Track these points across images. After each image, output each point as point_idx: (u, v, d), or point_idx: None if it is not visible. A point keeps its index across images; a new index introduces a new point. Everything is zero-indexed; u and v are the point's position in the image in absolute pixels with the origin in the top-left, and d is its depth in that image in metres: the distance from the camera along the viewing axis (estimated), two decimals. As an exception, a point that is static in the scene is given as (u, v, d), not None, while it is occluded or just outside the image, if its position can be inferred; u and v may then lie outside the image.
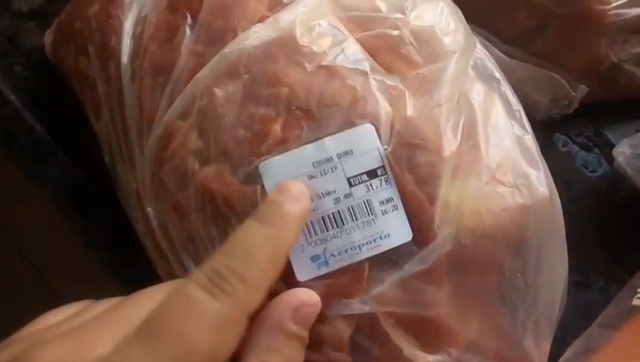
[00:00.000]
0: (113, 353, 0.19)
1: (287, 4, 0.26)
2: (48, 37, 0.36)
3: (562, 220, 0.27)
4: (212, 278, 0.21)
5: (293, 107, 0.25)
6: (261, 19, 0.26)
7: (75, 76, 0.34)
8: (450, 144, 0.25)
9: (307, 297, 0.22)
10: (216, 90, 0.25)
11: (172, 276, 0.28)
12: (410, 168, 0.25)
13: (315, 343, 0.23)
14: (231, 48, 0.25)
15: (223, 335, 0.20)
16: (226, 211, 0.24)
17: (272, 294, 0.22)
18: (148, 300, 0.21)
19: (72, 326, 0.21)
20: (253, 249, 0.22)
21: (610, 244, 0.34)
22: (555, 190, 0.27)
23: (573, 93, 0.34)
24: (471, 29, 0.28)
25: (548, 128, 0.36)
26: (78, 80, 0.34)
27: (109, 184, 0.33)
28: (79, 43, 0.32)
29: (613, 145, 0.37)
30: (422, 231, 0.24)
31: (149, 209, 0.27)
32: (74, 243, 0.36)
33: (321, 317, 0.23)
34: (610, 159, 0.37)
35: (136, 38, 0.29)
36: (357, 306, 0.23)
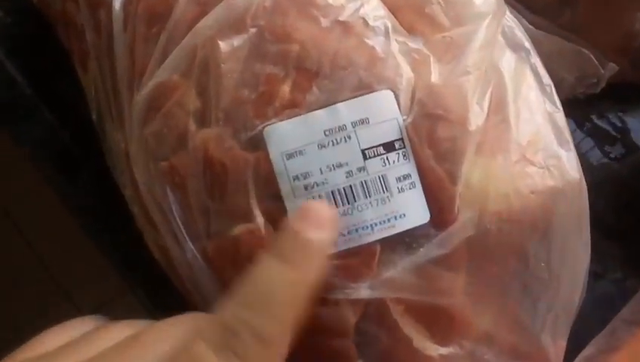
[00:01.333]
0: None
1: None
2: (34, -21, 0.33)
3: (588, 207, 0.25)
4: (226, 337, 0.18)
5: (304, 66, 0.22)
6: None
7: (61, 23, 0.31)
8: (476, 117, 0.22)
9: None
10: (220, 42, 0.22)
11: (160, 246, 0.26)
12: (430, 142, 0.22)
13: (317, 328, 0.21)
14: None
15: None
16: (224, 179, 0.22)
17: None
18: (165, 337, 0.19)
19: (82, 358, 0.18)
20: (273, 298, 0.19)
21: (629, 234, 0.32)
22: (582, 174, 0.25)
23: (602, 72, 0.32)
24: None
25: (569, 108, 0.34)
26: (65, 27, 0.31)
27: (95, 144, 0.30)
28: (68, -14, 0.29)
29: (635, 132, 0.35)
30: (441, 213, 0.22)
31: (138, 172, 0.25)
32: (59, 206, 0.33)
33: (326, 301, 0.21)
34: (632, 145, 0.35)
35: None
36: (366, 291, 0.21)
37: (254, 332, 0.18)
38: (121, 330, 0.20)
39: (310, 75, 0.22)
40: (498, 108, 0.23)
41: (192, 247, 0.23)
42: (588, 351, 0.25)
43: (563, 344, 0.25)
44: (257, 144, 0.22)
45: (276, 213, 0.22)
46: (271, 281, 0.19)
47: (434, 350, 0.22)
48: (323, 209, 0.20)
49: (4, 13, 0.35)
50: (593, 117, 0.35)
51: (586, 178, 0.25)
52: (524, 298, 0.23)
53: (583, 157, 0.34)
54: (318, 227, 0.20)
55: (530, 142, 0.23)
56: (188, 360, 0.18)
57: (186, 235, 0.23)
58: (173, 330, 0.19)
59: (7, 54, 0.34)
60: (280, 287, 0.19)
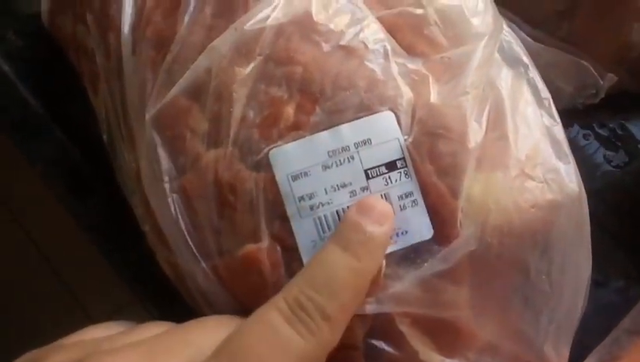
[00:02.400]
0: None
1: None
2: (45, 3, 0.34)
3: (588, 217, 0.26)
4: (295, 310, 0.19)
5: (307, 88, 0.23)
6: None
7: (72, 46, 0.32)
8: (475, 134, 0.23)
9: None
10: (235, 70, 0.23)
11: (172, 264, 0.26)
12: (431, 158, 0.23)
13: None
14: (252, 26, 0.23)
15: None
16: (233, 200, 0.23)
17: None
18: (214, 325, 0.20)
19: (132, 341, 0.20)
20: (336, 282, 0.20)
21: (632, 242, 0.33)
22: (582, 186, 0.26)
23: (601, 82, 0.32)
24: (495, 10, 0.26)
25: (569, 118, 0.34)
26: (76, 50, 0.32)
27: (106, 164, 0.31)
28: (78, 10, 0.30)
29: (637, 139, 0.35)
30: (444, 228, 0.22)
31: (149, 192, 0.26)
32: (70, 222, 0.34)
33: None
34: (635, 152, 0.35)
35: (139, 6, 0.27)
36: (372, 306, 0.22)
37: (321, 310, 0.19)
38: (160, 324, 0.21)
39: (313, 97, 0.23)
40: (496, 124, 0.24)
41: (204, 265, 0.24)
42: (590, 360, 0.25)
43: (566, 353, 0.25)
44: (264, 166, 0.23)
45: (283, 233, 0.22)
46: (335, 267, 0.20)
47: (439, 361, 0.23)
48: (382, 204, 0.22)
49: (16, 36, 0.36)
50: (595, 126, 0.36)
51: (588, 186, 0.26)
52: (526, 310, 0.23)
53: (588, 166, 0.34)
54: (378, 221, 0.21)
55: (528, 157, 0.24)
56: (263, 327, 0.19)
57: (197, 254, 0.24)
58: (229, 318, 0.21)
59: (19, 76, 0.35)
60: (343, 273, 0.20)
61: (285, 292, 0.20)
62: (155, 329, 0.21)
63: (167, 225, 0.25)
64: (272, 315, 0.20)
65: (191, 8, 0.25)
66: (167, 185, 0.24)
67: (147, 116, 0.25)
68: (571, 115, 0.34)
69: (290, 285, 0.20)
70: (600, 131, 0.35)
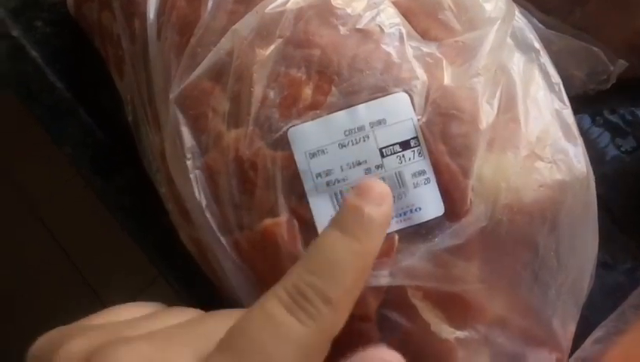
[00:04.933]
0: None
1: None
2: (70, -9, 0.35)
3: (595, 199, 0.27)
4: (295, 297, 0.19)
5: (325, 70, 0.24)
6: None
7: (97, 32, 0.33)
8: (487, 116, 0.24)
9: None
10: (256, 52, 0.24)
11: (194, 240, 0.28)
12: (444, 139, 0.24)
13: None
14: (273, 10, 0.24)
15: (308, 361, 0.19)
16: (254, 177, 0.24)
17: None
18: (228, 318, 0.20)
19: (151, 329, 0.20)
20: (338, 265, 0.20)
21: (638, 226, 0.33)
22: (590, 168, 0.26)
23: (612, 68, 0.33)
24: (508, -4, 0.27)
25: (580, 104, 0.35)
26: (101, 36, 0.33)
27: (131, 145, 0.32)
28: (103, -2, 0.31)
29: (647, 125, 0.36)
30: (454, 205, 0.23)
31: (173, 170, 0.27)
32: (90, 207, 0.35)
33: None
34: (644, 139, 0.36)
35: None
36: (386, 279, 0.23)
37: (321, 295, 0.19)
38: (186, 311, 0.22)
39: (330, 78, 0.24)
40: (508, 107, 0.24)
41: (224, 240, 0.25)
42: (598, 333, 0.26)
43: (572, 328, 0.26)
44: (283, 144, 0.24)
45: (300, 208, 0.23)
46: (335, 251, 0.20)
47: (451, 333, 0.24)
48: (380, 186, 0.21)
49: (44, 24, 0.37)
50: (605, 112, 0.36)
51: (597, 170, 0.26)
52: (534, 285, 0.24)
53: (598, 151, 0.35)
54: (377, 203, 0.21)
55: (538, 139, 0.24)
56: (263, 317, 0.19)
57: (218, 229, 0.25)
58: (232, 313, 0.21)
59: (47, 62, 0.36)
60: (343, 257, 0.20)
61: (285, 280, 0.20)
62: (177, 316, 0.21)
63: (190, 200, 0.26)
64: (271, 304, 0.19)
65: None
66: (189, 163, 0.26)
67: (171, 96, 0.26)
68: (582, 100, 0.35)
69: (289, 273, 0.20)
70: (610, 117, 0.36)
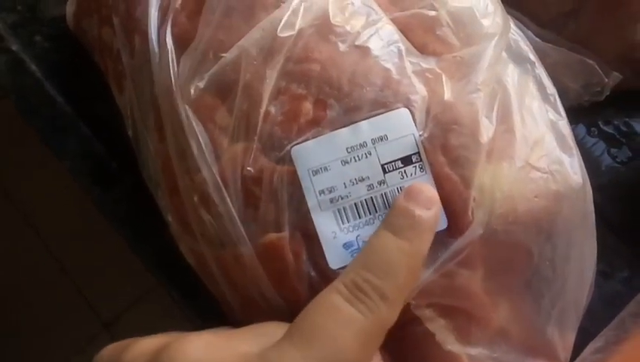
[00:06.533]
0: (268, 350, 0.20)
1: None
2: (70, 7, 0.35)
3: (593, 209, 0.27)
4: (354, 292, 0.21)
5: (325, 85, 0.24)
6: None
7: (97, 47, 0.33)
8: (487, 130, 0.24)
9: None
10: (260, 67, 0.24)
11: (196, 253, 0.28)
12: (444, 150, 0.24)
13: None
14: (284, 33, 0.25)
15: (368, 348, 0.21)
16: (258, 192, 0.24)
17: None
18: (277, 326, 0.22)
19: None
20: (391, 264, 0.22)
21: (636, 234, 0.34)
22: (587, 178, 0.27)
23: (606, 80, 0.33)
24: (503, 11, 0.27)
25: (575, 115, 0.35)
26: (101, 51, 0.33)
27: (129, 158, 0.32)
28: (103, 13, 0.32)
29: (641, 136, 0.36)
30: (457, 217, 0.23)
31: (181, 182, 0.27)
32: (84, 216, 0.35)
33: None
34: (638, 149, 0.36)
35: (164, 8, 0.28)
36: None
37: (378, 291, 0.21)
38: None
39: (330, 94, 0.24)
40: (504, 118, 0.25)
41: (229, 253, 0.25)
42: (597, 342, 0.26)
43: (571, 338, 0.26)
44: (286, 161, 0.24)
45: (304, 224, 0.24)
46: (388, 250, 0.22)
47: (460, 349, 0.24)
48: (429, 190, 0.23)
49: (43, 38, 0.37)
50: (600, 123, 0.37)
51: (593, 181, 0.27)
52: (528, 294, 0.25)
53: (593, 162, 0.35)
54: (426, 206, 0.23)
55: (533, 149, 0.25)
56: (328, 306, 0.21)
57: (222, 241, 0.25)
58: (279, 323, 0.23)
59: (46, 76, 0.36)
60: (396, 256, 0.22)
61: (343, 277, 0.22)
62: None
63: (192, 213, 0.26)
64: (333, 296, 0.21)
65: (215, 10, 0.26)
66: (193, 176, 0.26)
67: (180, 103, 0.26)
68: (577, 112, 0.35)
69: (346, 271, 0.22)
70: (605, 128, 0.36)
